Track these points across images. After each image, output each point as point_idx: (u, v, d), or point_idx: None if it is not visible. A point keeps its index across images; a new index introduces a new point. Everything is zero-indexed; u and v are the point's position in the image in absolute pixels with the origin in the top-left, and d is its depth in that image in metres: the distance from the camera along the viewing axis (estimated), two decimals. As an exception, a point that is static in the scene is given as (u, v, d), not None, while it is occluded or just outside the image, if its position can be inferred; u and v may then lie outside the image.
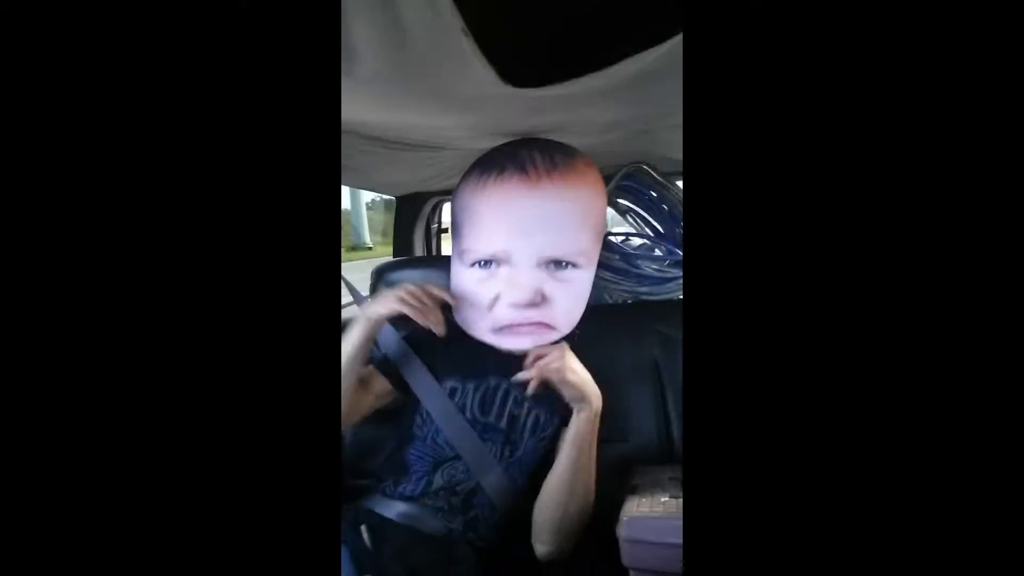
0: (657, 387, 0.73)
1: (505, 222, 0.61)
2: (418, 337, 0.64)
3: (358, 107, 0.48)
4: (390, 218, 1.31)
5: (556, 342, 0.61)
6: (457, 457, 0.61)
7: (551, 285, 0.61)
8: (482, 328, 0.63)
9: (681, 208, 0.83)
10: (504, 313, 0.62)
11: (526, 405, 0.63)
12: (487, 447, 0.61)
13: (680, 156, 0.73)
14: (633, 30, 0.37)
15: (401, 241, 1.24)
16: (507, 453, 0.62)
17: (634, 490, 0.55)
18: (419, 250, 1.25)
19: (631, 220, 0.89)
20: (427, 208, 1.23)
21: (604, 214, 0.66)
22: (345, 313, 0.85)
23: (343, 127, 0.57)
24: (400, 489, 0.61)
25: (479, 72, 0.40)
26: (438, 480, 0.60)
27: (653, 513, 0.50)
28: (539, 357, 0.59)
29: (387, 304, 0.59)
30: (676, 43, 0.37)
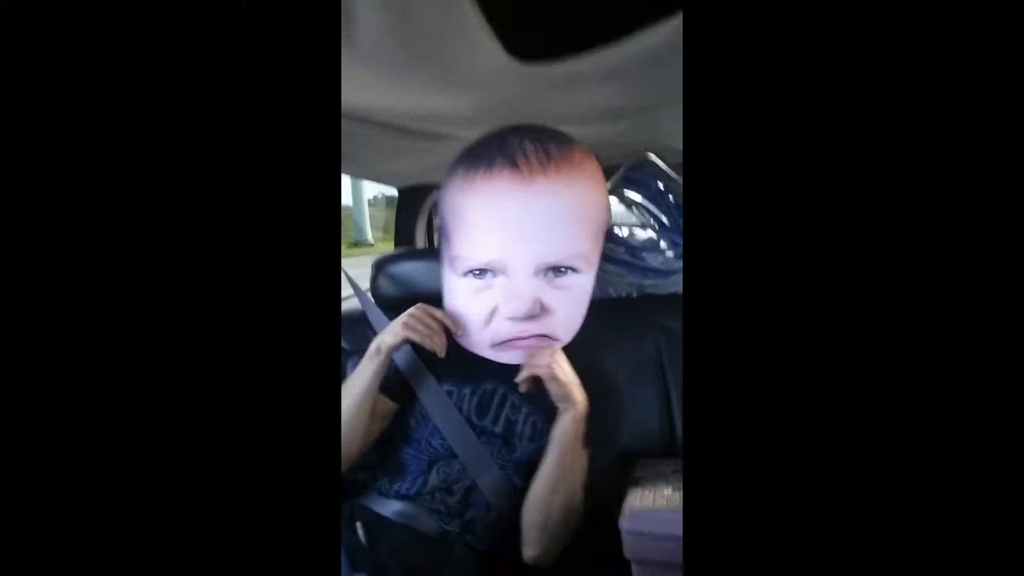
0: (661, 380, 0.72)
1: (498, 226, 0.57)
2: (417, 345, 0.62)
3: (359, 84, 0.47)
4: (392, 215, 1.30)
5: None
6: (452, 456, 0.59)
7: (550, 294, 0.58)
8: (480, 343, 0.61)
9: (686, 200, 0.82)
10: (503, 327, 0.59)
11: (523, 411, 0.62)
12: (484, 447, 0.60)
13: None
14: (640, 4, 0.36)
15: (402, 234, 1.23)
16: (504, 454, 0.60)
17: (637, 483, 0.54)
18: (420, 243, 1.24)
19: (637, 212, 0.88)
20: (429, 201, 1.22)
21: (605, 209, 0.62)
22: (345, 306, 0.84)
23: (343, 110, 0.56)
24: (396, 487, 0.59)
25: (484, 44, 0.39)
26: (433, 479, 0.59)
27: (656, 506, 0.49)
28: (530, 356, 0.57)
29: (394, 334, 0.58)
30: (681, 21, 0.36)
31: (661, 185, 0.85)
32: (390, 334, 0.59)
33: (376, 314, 0.71)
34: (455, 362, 0.61)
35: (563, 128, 0.62)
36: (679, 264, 0.83)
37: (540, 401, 0.58)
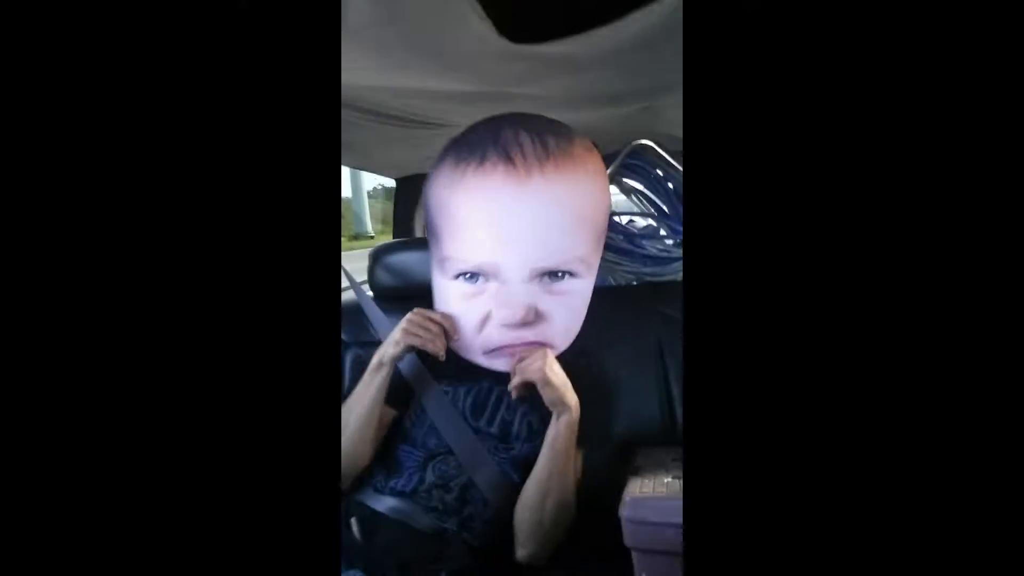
0: (661, 368, 0.71)
1: (490, 227, 0.53)
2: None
3: (350, 66, 0.45)
4: (392, 206, 1.29)
5: None
6: (449, 453, 0.58)
7: (546, 300, 0.55)
8: (473, 350, 0.59)
9: (686, 187, 0.81)
10: (495, 335, 0.57)
11: (519, 411, 0.60)
12: (481, 443, 0.59)
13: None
14: None
15: (401, 225, 1.22)
16: (501, 451, 0.59)
17: (636, 471, 0.54)
18: (419, 233, 1.23)
19: (636, 200, 0.88)
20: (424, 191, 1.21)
21: (606, 208, 0.59)
22: (342, 298, 0.84)
23: None
24: (391, 484, 0.58)
25: (475, 25, 0.38)
26: (430, 476, 0.57)
27: (656, 494, 0.49)
28: (521, 359, 0.55)
29: (395, 342, 0.56)
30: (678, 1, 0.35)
31: (660, 172, 0.84)
32: (391, 344, 0.57)
33: (371, 308, 0.71)
34: (450, 362, 0.59)
35: (559, 113, 0.60)
36: (678, 252, 0.82)
37: (535, 401, 0.57)
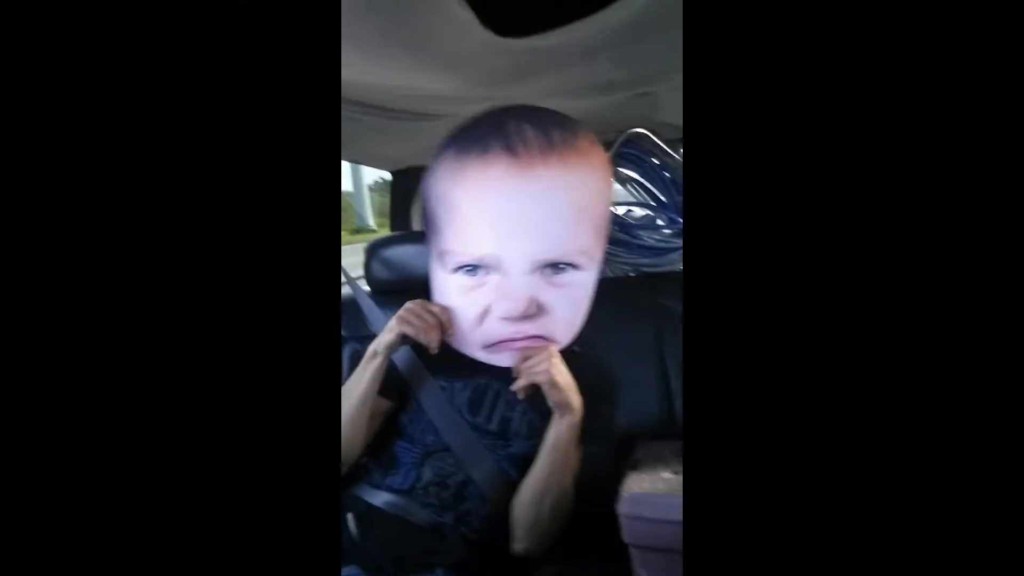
0: (659, 361, 0.71)
1: (492, 219, 0.52)
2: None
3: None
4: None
5: None
6: (446, 450, 0.57)
7: (547, 293, 0.54)
8: (472, 344, 0.58)
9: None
10: (495, 328, 0.56)
11: (518, 408, 0.59)
12: (478, 440, 0.58)
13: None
14: None
15: (398, 218, 1.21)
16: (499, 449, 0.58)
17: (635, 465, 0.53)
18: (417, 226, 1.22)
19: (632, 189, 0.86)
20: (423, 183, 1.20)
21: (608, 201, 0.58)
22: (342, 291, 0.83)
23: None
24: (389, 481, 0.57)
25: (460, 18, 0.36)
26: (427, 474, 0.57)
27: (655, 490, 0.48)
28: (526, 358, 0.54)
29: (390, 330, 0.56)
30: None
31: (656, 161, 0.83)
32: (386, 332, 0.56)
33: (366, 302, 0.70)
34: (448, 357, 0.58)
35: (551, 103, 0.59)
36: (676, 242, 0.81)
37: (535, 398, 0.56)
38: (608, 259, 0.81)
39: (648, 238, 0.82)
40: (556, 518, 0.55)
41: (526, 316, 0.54)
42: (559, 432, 0.54)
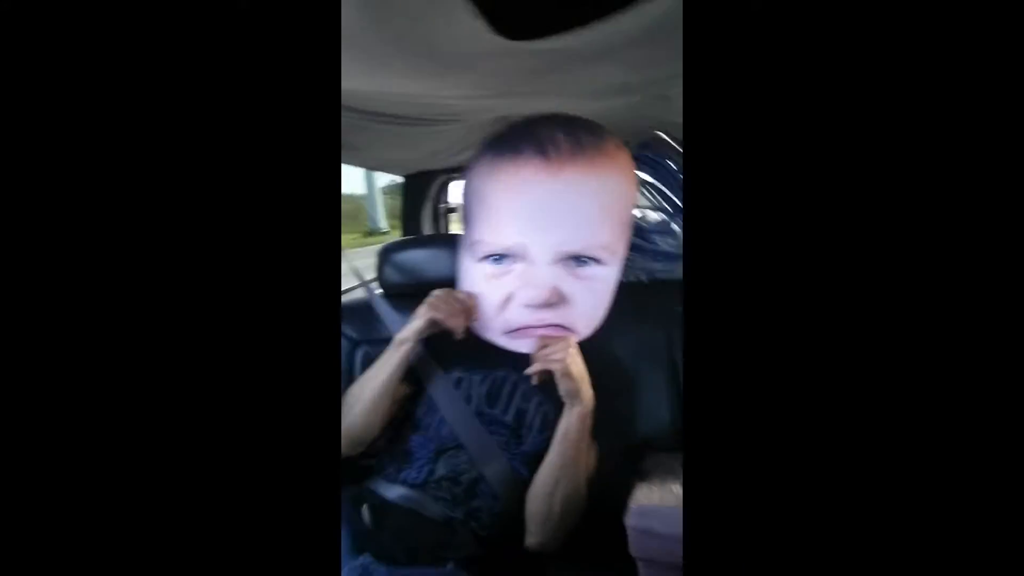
0: (671, 370, 0.69)
1: (520, 212, 0.56)
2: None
3: (347, 72, 0.44)
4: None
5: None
6: (460, 446, 0.59)
7: (570, 283, 0.57)
8: (494, 329, 0.60)
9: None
10: (517, 314, 0.58)
11: (534, 400, 0.61)
12: (492, 438, 0.59)
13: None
14: None
15: (409, 222, 1.22)
16: (513, 446, 0.59)
17: (644, 477, 0.52)
18: (427, 229, 1.22)
19: (647, 193, 0.85)
20: (434, 187, 1.20)
21: (632, 202, 0.61)
22: (352, 295, 0.84)
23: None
24: (403, 475, 0.59)
25: (469, 24, 0.36)
26: (440, 469, 0.58)
27: (664, 502, 0.47)
28: (544, 346, 0.56)
29: (419, 315, 0.59)
30: None
31: (672, 164, 0.81)
32: (416, 318, 0.59)
33: (382, 305, 0.70)
34: (467, 348, 0.61)
35: (563, 104, 0.59)
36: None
37: (551, 391, 0.57)
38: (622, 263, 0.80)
39: (663, 243, 0.80)
40: (568, 512, 0.55)
41: (548, 304, 0.57)
42: (569, 423, 0.55)
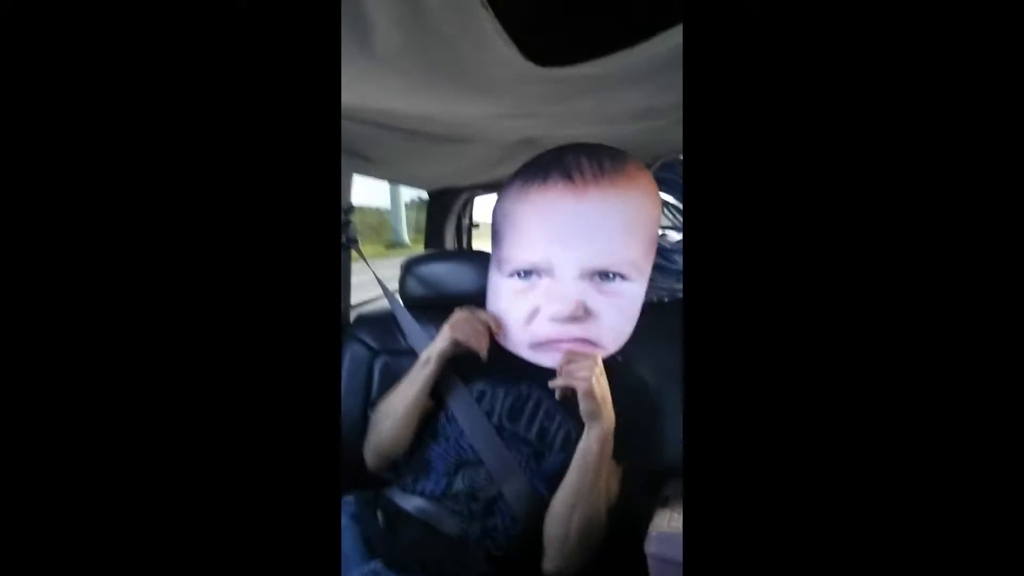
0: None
1: (547, 230, 0.58)
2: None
3: (379, 89, 0.46)
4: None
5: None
6: (479, 462, 0.58)
7: (596, 299, 0.58)
8: (519, 343, 0.61)
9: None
10: (543, 328, 0.59)
11: (557, 418, 0.60)
12: (512, 455, 0.59)
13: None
14: (661, 6, 0.34)
15: (432, 237, 1.24)
16: (533, 464, 0.59)
17: (665, 502, 0.51)
18: (450, 244, 1.24)
19: (668, 214, 0.85)
20: (458, 204, 1.22)
21: (656, 220, 0.62)
22: (374, 306, 0.85)
23: (366, 116, 0.56)
24: (420, 486, 0.59)
25: (500, 50, 0.37)
26: (459, 483, 0.58)
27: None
28: (570, 361, 0.56)
29: (443, 338, 0.60)
30: None
31: (695, 186, 0.81)
32: (439, 339, 0.61)
33: (405, 316, 0.71)
34: (492, 362, 0.61)
35: (589, 129, 0.60)
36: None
37: (574, 410, 0.56)
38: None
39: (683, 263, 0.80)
40: (585, 537, 0.55)
41: (574, 318, 0.58)
42: (589, 444, 0.55)
